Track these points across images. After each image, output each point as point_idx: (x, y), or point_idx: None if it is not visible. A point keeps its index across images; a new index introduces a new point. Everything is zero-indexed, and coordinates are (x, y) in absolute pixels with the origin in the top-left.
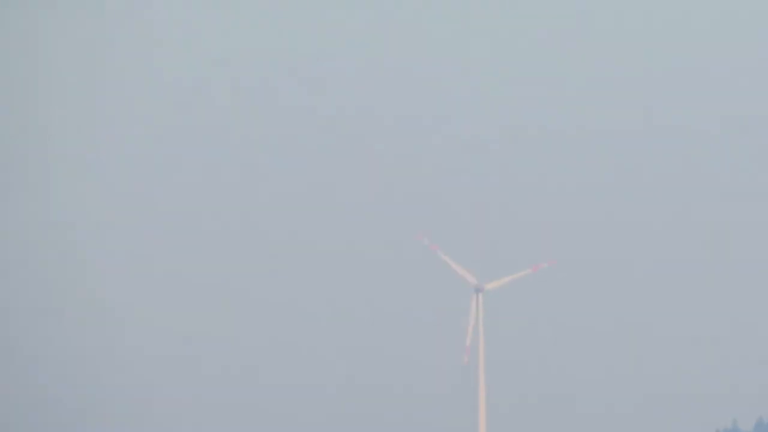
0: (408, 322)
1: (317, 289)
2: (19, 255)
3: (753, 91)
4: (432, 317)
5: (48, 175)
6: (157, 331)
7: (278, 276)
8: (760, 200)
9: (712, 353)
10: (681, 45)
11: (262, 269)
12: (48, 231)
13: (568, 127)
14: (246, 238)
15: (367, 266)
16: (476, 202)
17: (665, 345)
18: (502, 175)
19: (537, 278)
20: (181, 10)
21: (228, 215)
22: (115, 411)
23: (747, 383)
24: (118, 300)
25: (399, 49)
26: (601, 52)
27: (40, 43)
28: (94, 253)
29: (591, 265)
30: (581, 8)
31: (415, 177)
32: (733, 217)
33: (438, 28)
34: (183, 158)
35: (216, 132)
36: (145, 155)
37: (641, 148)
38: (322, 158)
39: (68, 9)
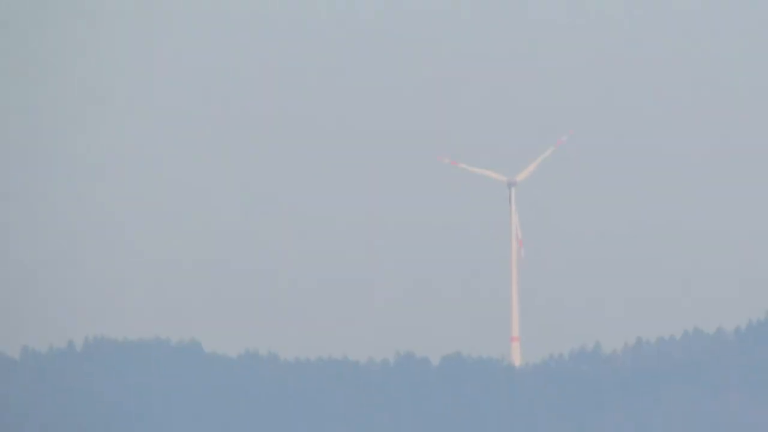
0: (448, 223)
1: (357, 203)
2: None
3: None
4: (470, 217)
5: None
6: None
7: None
8: None
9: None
10: None
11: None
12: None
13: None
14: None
15: (399, 184)
16: (485, 95)
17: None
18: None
19: (564, 164)
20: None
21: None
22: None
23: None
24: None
25: None
26: None
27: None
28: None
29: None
30: None
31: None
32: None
33: None
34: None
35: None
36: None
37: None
38: None
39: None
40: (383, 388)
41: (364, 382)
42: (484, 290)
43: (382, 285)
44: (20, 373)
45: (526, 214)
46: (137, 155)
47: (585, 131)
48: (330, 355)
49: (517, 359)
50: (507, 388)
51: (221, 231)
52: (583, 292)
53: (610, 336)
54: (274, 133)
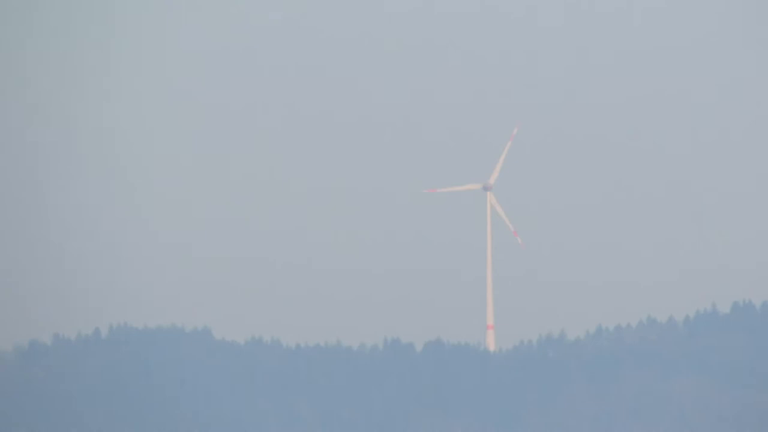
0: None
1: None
2: None
3: None
4: (452, 221)
5: None
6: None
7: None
8: None
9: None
10: None
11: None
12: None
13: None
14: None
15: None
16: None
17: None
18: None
19: (527, 166)
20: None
21: None
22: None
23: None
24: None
25: None
26: None
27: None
28: None
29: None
30: None
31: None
32: None
33: None
34: None
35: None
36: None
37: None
38: None
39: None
40: (373, 370)
41: (356, 365)
42: (463, 284)
43: (373, 280)
44: (52, 357)
45: (497, 219)
46: (156, 155)
47: (547, 129)
48: (326, 342)
49: (491, 345)
50: (482, 370)
51: (229, 228)
52: (551, 285)
53: (574, 325)
54: (277, 133)
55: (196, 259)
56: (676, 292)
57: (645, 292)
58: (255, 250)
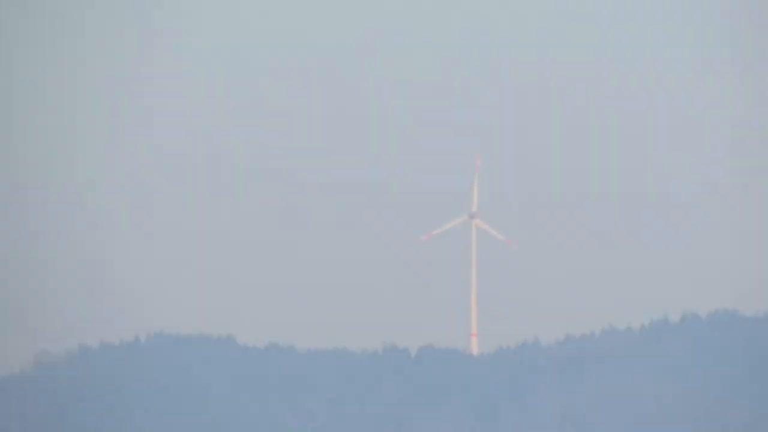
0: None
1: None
2: None
3: None
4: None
5: None
6: None
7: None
8: None
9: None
10: None
11: None
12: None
13: None
14: None
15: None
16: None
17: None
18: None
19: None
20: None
21: None
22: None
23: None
24: None
25: None
26: None
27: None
28: None
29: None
30: None
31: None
32: None
33: None
34: None
35: None
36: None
37: None
38: None
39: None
40: (373, 371)
41: (359, 368)
42: (451, 298)
43: (374, 292)
44: (99, 361)
45: (483, 241)
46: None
47: (516, 147)
48: (334, 346)
49: (475, 350)
50: (467, 372)
51: (243, 243)
52: (525, 301)
53: (546, 332)
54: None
55: (216, 272)
56: (631, 305)
57: (605, 305)
58: (272, 265)
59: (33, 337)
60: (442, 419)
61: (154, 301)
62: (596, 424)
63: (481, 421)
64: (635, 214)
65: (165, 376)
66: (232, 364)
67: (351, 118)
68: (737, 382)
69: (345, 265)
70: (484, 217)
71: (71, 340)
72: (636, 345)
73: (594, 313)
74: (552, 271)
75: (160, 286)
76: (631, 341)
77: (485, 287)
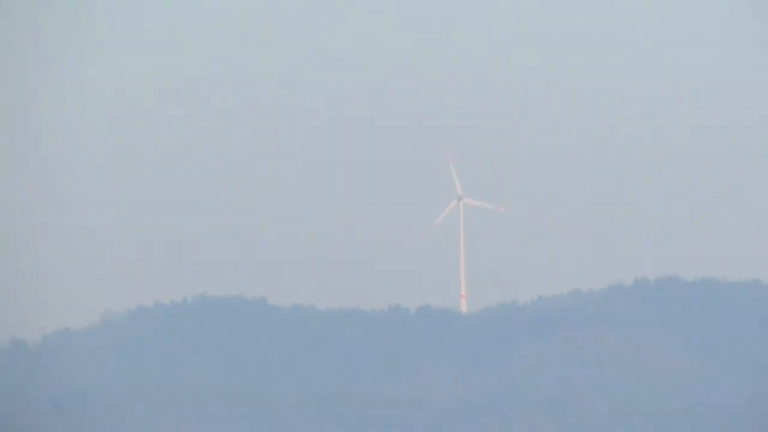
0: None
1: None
2: None
3: None
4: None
5: None
6: None
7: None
8: None
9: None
10: None
11: None
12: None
13: None
14: None
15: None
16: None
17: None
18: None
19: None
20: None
21: None
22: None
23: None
24: None
25: None
26: None
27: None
28: None
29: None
30: None
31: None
32: None
33: None
34: None
35: None
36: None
37: None
38: None
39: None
40: (380, 328)
41: (368, 323)
42: (444, 265)
43: (381, 262)
44: (156, 318)
45: (469, 215)
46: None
47: (493, 129)
48: (348, 306)
49: (464, 309)
50: (457, 329)
51: (276, 220)
52: (505, 266)
53: (522, 293)
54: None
55: (250, 239)
56: (593, 271)
57: (561, 270)
58: (300, 235)
59: (100, 295)
60: (438, 365)
61: (200, 268)
62: (566, 369)
63: (470, 366)
64: (609, 185)
65: (209, 330)
66: (264, 321)
67: (351, 118)
68: (678, 335)
69: (357, 242)
70: (470, 196)
71: (131, 300)
72: (601, 306)
73: (561, 277)
74: (525, 235)
75: (207, 256)
76: (591, 301)
77: (472, 257)
